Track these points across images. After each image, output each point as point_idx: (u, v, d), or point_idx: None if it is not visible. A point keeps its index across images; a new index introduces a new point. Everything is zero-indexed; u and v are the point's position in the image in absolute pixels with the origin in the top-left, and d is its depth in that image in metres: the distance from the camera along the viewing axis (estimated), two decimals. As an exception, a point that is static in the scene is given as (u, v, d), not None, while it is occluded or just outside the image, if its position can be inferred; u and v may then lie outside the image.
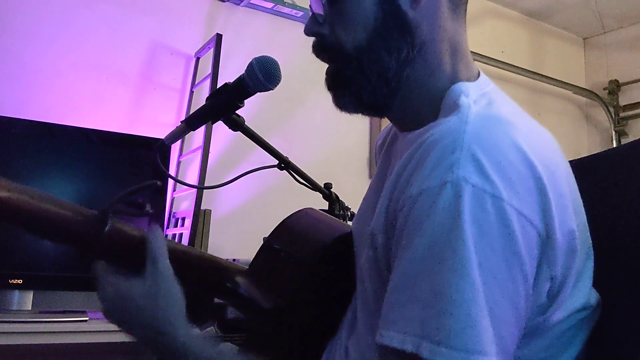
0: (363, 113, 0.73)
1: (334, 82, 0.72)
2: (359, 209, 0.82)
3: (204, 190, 2.04)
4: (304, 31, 0.73)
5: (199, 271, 0.76)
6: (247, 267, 0.80)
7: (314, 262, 0.77)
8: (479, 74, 0.72)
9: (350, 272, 0.76)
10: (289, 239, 0.81)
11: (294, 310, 0.74)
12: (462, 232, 0.51)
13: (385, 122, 0.84)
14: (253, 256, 0.83)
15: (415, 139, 0.62)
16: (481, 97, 0.65)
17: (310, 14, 0.73)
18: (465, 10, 0.73)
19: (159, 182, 0.69)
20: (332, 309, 0.77)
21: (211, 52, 2.16)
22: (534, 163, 0.55)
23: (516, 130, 0.58)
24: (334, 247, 0.79)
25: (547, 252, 0.56)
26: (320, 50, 0.72)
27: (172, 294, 0.67)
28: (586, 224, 0.65)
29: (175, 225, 2.12)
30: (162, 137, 0.96)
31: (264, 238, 0.87)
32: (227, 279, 0.78)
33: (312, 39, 0.74)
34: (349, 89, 0.70)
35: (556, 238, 0.56)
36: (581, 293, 0.62)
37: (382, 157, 0.82)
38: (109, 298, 0.67)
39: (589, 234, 0.66)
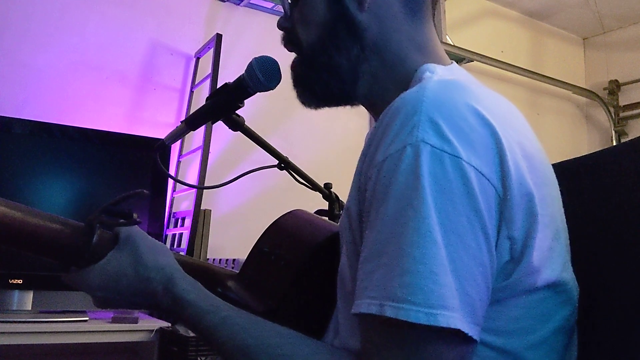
0: (326, 106, 0.78)
1: (295, 79, 0.78)
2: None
3: (204, 190, 2.04)
4: (277, 26, 0.78)
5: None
6: (239, 271, 0.81)
7: (303, 263, 0.78)
8: (451, 65, 0.74)
9: (337, 270, 0.76)
10: (278, 241, 0.81)
11: (285, 312, 0.75)
12: (422, 192, 0.53)
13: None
14: (253, 257, 0.83)
15: None
16: (448, 75, 0.67)
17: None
18: (432, 12, 0.76)
19: (145, 191, 0.68)
20: (323, 309, 0.77)
21: (211, 52, 2.16)
22: (491, 123, 0.57)
23: (473, 94, 0.60)
24: (323, 247, 0.79)
25: (504, 211, 0.56)
26: (285, 42, 0.78)
27: (152, 247, 0.68)
28: (555, 199, 0.65)
29: (175, 225, 2.12)
30: (162, 137, 0.96)
31: (263, 238, 0.87)
32: (218, 284, 0.78)
33: None
34: (303, 84, 0.76)
35: (513, 197, 0.57)
36: (554, 267, 0.61)
37: None
38: (98, 286, 0.66)
39: (561, 214, 0.66)
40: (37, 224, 0.64)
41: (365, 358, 0.56)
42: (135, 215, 0.67)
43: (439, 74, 0.66)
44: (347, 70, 0.73)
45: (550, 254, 0.61)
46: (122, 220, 0.68)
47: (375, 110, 0.77)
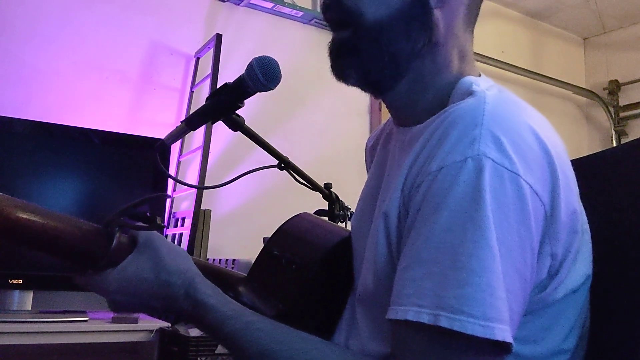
0: (362, 88, 0.74)
1: (342, 50, 0.71)
2: (356, 209, 0.83)
3: (204, 190, 2.04)
4: None
5: None
6: (247, 274, 0.80)
7: (315, 267, 0.78)
8: (479, 76, 0.74)
9: (349, 274, 0.76)
10: (288, 244, 0.81)
11: (295, 316, 0.74)
12: (483, 205, 0.53)
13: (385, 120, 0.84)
14: (253, 256, 0.83)
15: (423, 130, 0.64)
16: (491, 87, 0.67)
17: None
18: (474, 24, 0.76)
19: (168, 194, 0.66)
20: (333, 312, 0.77)
21: (211, 52, 2.16)
22: (546, 144, 0.58)
23: (528, 114, 0.62)
24: (334, 251, 0.80)
25: (550, 230, 0.57)
26: (334, 8, 0.70)
27: (172, 251, 0.67)
28: (582, 206, 0.67)
29: (175, 225, 2.12)
30: (162, 137, 0.96)
31: (264, 238, 0.87)
32: (229, 287, 0.77)
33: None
34: (360, 60, 0.70)
35: (560, 216, 0.58)
36: (579, 272, 0.63)
37: (378, 156, 0.83)
38: (116, 290, 0.65)
39: (585, 214, 0.67)
40: (57, 227, 0.63)
41: None
42: (159, 220, 0.65)
43: (485, 87, 0.66)
44: (405, 61, 0.70)
45: (577, 262, 0.62)
46: (143, 225, 0.66)
47: (401, 111, 0.75)
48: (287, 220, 0.85)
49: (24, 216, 0.62)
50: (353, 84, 0.73)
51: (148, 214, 0.66)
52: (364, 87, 0.74)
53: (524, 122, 0.59)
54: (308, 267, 0.78)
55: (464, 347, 0.52)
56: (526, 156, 0.56)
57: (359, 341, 0.70)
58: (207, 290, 0.66)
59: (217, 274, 0.79)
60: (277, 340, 0.61)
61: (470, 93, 0.65)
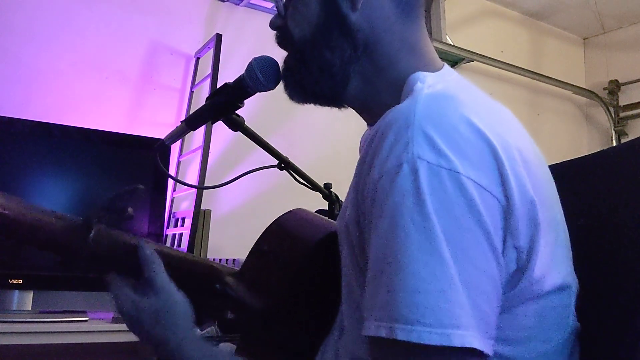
0: (313, 103, 0.78)
1: (284, 73, 0.79)
2: (341, 207, 0.84)
3: (204, 190, 2.04)
4: (269, 25, 0.80)
5: (188, 274, 0.77)
6: (238, 271, 0.81)
7: (301, 262, 0.78)
8: (441, 69, 0.73)
9: (338, 270, 0.77)
10: (277, 240, 0.82)
11: (283, 311, 0.75)
12: (424, 209, 0.52)
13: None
14: (253, 256, 0.83)
15: (373, 132, 0.64)
16: (438, 83, 0.66)
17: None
18: (422, 13, 0.75)
19: (140, 186, 0.69)
20: (324, 308, 0.78)
21: (211, 52, 2.16)
22: (485, 133, 0.56)
23: (464, 104, 0.59)
24: (321, 246, 0.80)
25: (509, 221, 0.56)
26: (278, 41, 0.79)
27: (175, 308, 0.70)
28: (554, 201, 0.65)
29: (175, 225, 2.12)
30: (162, 137, 0.96)
31: (263, 238, 0.87)
32: (217, 280, 0.78)
33: None
34: (293, 77, 0.77)
35: (516, 206, 0.56)
36: (559, 270, 0.61)
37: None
38: (126, 312, 0.69)
39: (561, 216, 0.66)
40: (35, 217, 0.66)
41: None
42: (130, 210, 0.69)
43: (429, 84, 0.65)
44: (339, 70, 0.72)
45: (553, 259, 0.60)
46: (117, 216, 0.69)
47: (369, 113, 0.76)
48: (278, 217, 0.86)
49: (3, 206, 0.64)
50: (303, 102, 0.78)
51: (121, 206, 0.69)
52: (313, 101, 0.77)
53: (458, 115, 0.56)
54: (295, 261, 0.78)
55: (426, 357, 0.51)
56: (465, 151, 0.54)
57: (346, 343, 0.69)
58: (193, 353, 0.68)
59: (207, 268, 0.80)
60: None
61: (411, 93, 0.65)
